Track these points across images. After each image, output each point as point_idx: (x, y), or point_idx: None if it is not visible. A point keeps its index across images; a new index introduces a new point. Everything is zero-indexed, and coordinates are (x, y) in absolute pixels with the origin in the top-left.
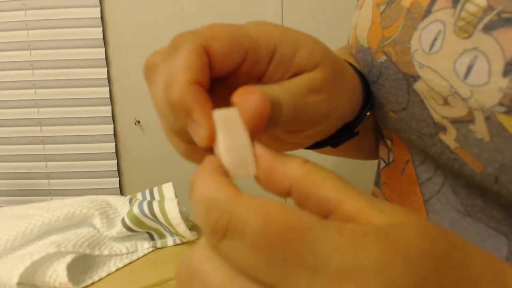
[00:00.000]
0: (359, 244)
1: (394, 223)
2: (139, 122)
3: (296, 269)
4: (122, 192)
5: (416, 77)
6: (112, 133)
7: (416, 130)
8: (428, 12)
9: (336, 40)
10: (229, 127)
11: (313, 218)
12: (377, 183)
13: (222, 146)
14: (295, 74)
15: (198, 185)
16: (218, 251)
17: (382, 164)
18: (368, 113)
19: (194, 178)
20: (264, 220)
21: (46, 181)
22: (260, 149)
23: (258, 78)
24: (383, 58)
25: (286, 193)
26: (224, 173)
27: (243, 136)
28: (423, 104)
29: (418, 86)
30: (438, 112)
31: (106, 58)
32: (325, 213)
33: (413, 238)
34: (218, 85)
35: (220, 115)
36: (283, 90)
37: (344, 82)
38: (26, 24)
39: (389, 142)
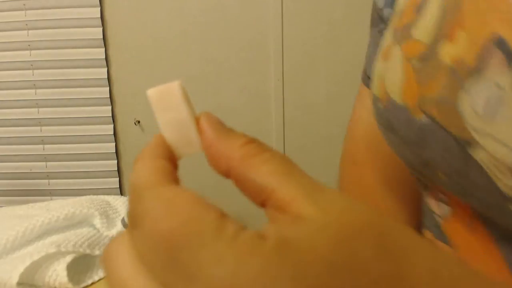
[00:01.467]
0: (244, 257)
1: (314, 225)
2: (139, 122)
3: (177, 273)
4: (122, 192)
5: (471, 143)
6: (112, 133)
7: (478, 198)
8: (476, 71)
9: (335, 40)
10: (165, 103)
11: (211, 221)
12: (437, 234)
13: (160, 125)
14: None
15: (134, 167)
16: (131, 239)
17: (437, 218)
18: None
19: (135, 160)
20: (161, 214)
21: (46, 181)
22: (204, 123)
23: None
24: (423, 119)
25: (225, 174)
26: (165, 154)
27: (183, 111)
28: (484, 172)
29: (475, 152)
30: (506, 183)
31: (106, 58)
32: (261, 200)
33: (318, 250)
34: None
35: (153, 92)
36: None
37: None
38: (26, 24)
39: (441, 197)
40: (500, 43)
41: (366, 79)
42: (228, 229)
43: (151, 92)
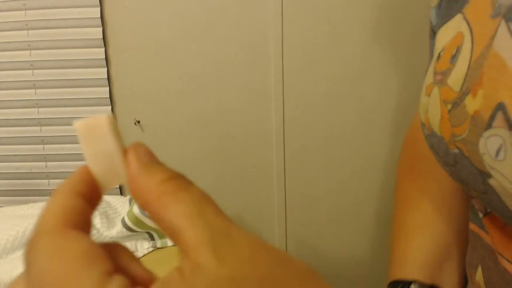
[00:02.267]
0: None
1: (207, 279)
2: (139, 122)
3: None
4: (122, 192)
5: (489, 175)
6: None
7: (499, 212)
8: (489, 125)
9: (335, 41)
10: (92, 135)
11: (92, 278)
12: (479, 225)
13: (85, 156)
14: None
15: (47, 203)
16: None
17: (480, 214)
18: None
19: (52, 192)
20: (46, 263)
21: (46, 181)
22: (131, 156)
23: None
24: (456, 150)
25: (143, 208)
26: (81, 190)
27: (109, 144)
28: (498, 196)
29: (492, 182)
30: None
31: (106, 58)
32: (175, 240)
33: None
34: None
35: (80, 125)
36: None
37: None
38: (26, 24)
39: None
40: (502, 107)
41: None
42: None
43: (79, 125)
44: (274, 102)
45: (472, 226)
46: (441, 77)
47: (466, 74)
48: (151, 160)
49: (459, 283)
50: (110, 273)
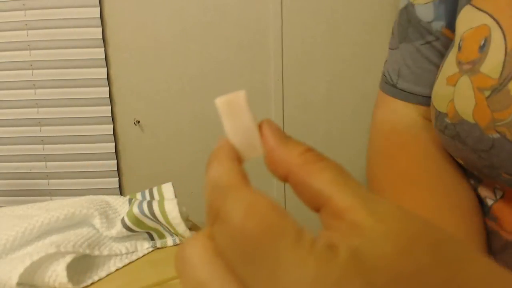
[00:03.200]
0: (323, 265)
1: (375, 234)
2: (138, 122)
3: (260, 272)
4: (121, 192)
5: None
6: (112, 133)
7: None
8: None
9: (335, 40)
10: (232, 111)
11: (291, 227)
12: (485, 214)
13: (227, 130)
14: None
15: (212, 166)
16: (210, 234)
17: (490, 201)
18: None
19: (210, 159)
20: (246, 215)
21: (45, 181)
22: (266, 130)
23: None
24: (496, 135)
25: (284, 179)
26: (236, 157)
27: (248, 119)
28: None
29: None
30: None
31: (106, 58)
32: (317, 205)
33: (383, 260)
34: None
35: (222, 101)
36: None
37: None
38: (26, 24)
39: (497, 186)
40: None
41: (390, 88)
42: (306, 237)
43: (219, 101)
44: (274, 101)
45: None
46: (471, 66)
47: (505, 61)
48: (284, 134)
49: None
50: (299, 225)
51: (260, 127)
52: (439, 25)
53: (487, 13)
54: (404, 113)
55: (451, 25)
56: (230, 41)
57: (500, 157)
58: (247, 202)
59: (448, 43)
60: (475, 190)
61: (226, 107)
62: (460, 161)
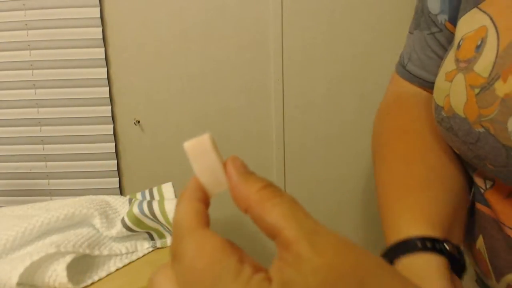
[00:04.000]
0: None
1: (309, 267)
2: (138, 122)
3: None
4: (121, 192)
5: None
6: (112, 133)
7: None
8: None
9: (335, 40)
10: (198, 153)
11: (233, 265)
12: (478, 199)
13: (195, 171)
14: None
15: (177, 208)
16: (172, 269)
17: (481, 190)
18: (446, 245)
19: (177, 201)
20: (194, 255)
21: (45, 181)
22: (230, 168)
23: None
24: (481, 129)
25: (244, 211)
26: (201, 197)
27: (213, 159)
28: None
29: None
30: None
31: (106, 58)
32: (272, 236)
33: None
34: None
35: (189, 145)
36: None
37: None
38: (26, 24)
39: (487, 175)
40: None
41: (401, 69)
42: (244, 273)
43: (187, 145)
44: (274, 101)
45: (478, 205)
46: (466, 65)
47: (495, 62)
48: (246, 171)
49: (462, 240)
50: (242, 261)
51: (225, 164)
52: (443, 18)
53: (488, 15)
54: (410, 88)
55: (452, 20)
56: (230, 41)
57: (485, 149)
58: (197, 244)
59: (449, 36)
60: (471, 178)
61: (192, 150)
62: (457, 151)
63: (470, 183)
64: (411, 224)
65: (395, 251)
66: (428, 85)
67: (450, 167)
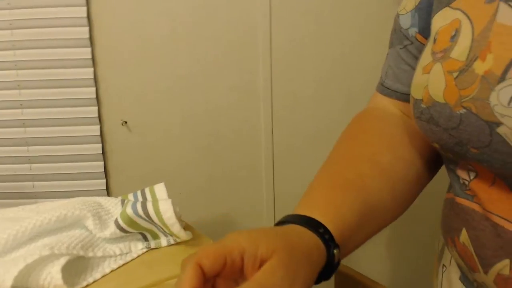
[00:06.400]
0: None
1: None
2: (126, 122)
3: None
4: (109, 194)
5: (498, 124)
6: (99, 134)
7: (499, 160)
8: (502, 79)
9: (323, 40)
10: None
11: None
12: (458, 193)
13: None
14: (262, 263)
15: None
16: None
17: (465, 182)
18: (335, 251)
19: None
20: None
21: (30, 183)
22: None
23: (240, 270)
24: (462, 110)
25: None
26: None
27: None
28: (505, 141)
29: (501, 130)
30: None
31: (93, 58)
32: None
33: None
34: (218, 278)
35: None
36: (254, 284)
37: (300, 255)
38: (10, 24)
39: (470, 167)
40: None
41: (380, 86)
42: None
43: None
44: (263, 101)
45: (449, 195)
46: (443, 54)
47: (471, 46)
48: None
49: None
50: None
51: None
52: (413, 31)
53: (460, 9)
54: (385, 105)
55: (422, 32)
56: (219, 41)
57: (467, 131)
58: None
59: (419, 47)
60: (454, 172)
61: None
62: (436, 145)
63: (422, 185)
64: (321, 215)
65: (297, 219)
66: (404, 97)
67: (381, 179)
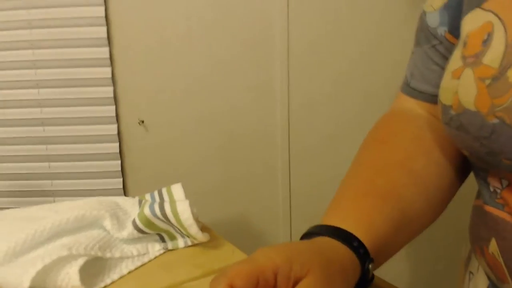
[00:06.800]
0: None
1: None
2: (143, 122)
3: None
4: (125, 193)
5: None
6: (116, 133)
7: None
8: None
9: (341, 40)
10: None
11: None
12: (487, 201)
13: None
14: (296, 282)
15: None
16: None
17: (497, 190)
18: (370, 266)
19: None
20: None
21: (49, 181)
22: None
23: None
24: (495, 120)
25: None
26: None
27: None
28: None
29: None
30: None
31: (111, 57)
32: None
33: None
34: None
35: None
36: None
37: (335, 273)
38: (29, 23)
39: (502, 175)
40: None
41: (405, 87)
42: None
43: None
44: (280, 101)
45: (478, 203)
46: (474, 59)
47: (505, 52)
48: None
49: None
50: None
51: None
52: (442, 30)
53: (492, 12)
54: (412, 107)
55: (452, 31)
56: (236, 40)
57: (499, 142)
58: None
59: (449, 46)
60: (484, 180)
61: None
62: (466, 153)
63: (454, 192)
64: (354, 227)
65: (328, 231)
66: (432, 99)
67: (415, 187)
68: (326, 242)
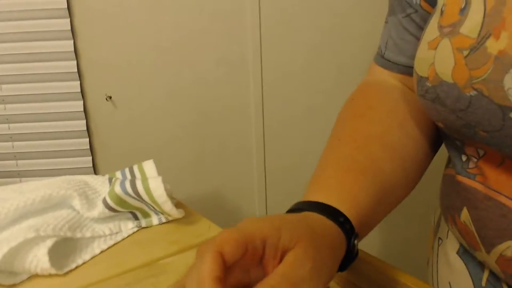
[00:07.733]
0: None
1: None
2: (110, 97)
3: None
4: (96, 171)
5: (511, 107)
6: (82, 109)
7: (510, 145)
8: None
9: (313, 9)
10: None
11: None
12: (459, 171)
13: None
14: (284, 252)
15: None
16: None
17: (473, 159)
18: (356, 241)
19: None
20: None
21: (13, 161)
22: None
23: (260, 259)
24: (473, 92)
25: None
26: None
27: None
28: None
29: None
30: None
31: (72, 29)
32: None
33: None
34: (233, 267)
35: None
36: (279, 277)
37: (323, 247)
38: None
39: (477, 146)
40: None
41: (379, 58)
42: None
43: None
44: (252, 73)
45: (449, 172)
46: (451, 29)
47: (483, 21)
48: None
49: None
50: None
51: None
52: None
53: None
54: (386, 79)
55: None
56: (205, 10)
57: (477, 114)
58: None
59: (425, 15)
60: (457, 150)
61: None
62: (441, 125)
63: (428, 163)
64: (339, 202)
65: (313, 206)
66: (407, 71)
67: (393, 161)
68: (313, 216)
